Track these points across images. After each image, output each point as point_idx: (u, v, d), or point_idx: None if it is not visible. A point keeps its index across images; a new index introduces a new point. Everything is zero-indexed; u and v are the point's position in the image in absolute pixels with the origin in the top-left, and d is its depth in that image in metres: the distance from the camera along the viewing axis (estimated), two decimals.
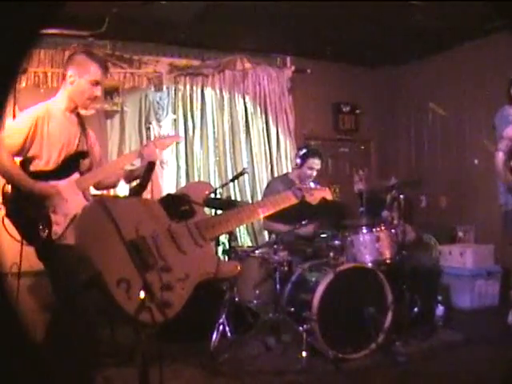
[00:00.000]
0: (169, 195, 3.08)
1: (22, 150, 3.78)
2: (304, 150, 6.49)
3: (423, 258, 6.80)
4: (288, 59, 8.52)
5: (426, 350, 5.40)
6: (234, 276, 3.15)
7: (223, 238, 5.68)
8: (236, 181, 7.07)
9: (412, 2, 6.25)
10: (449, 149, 8.49)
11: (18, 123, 3.91)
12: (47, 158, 3.82)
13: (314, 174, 6.34)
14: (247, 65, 8.15)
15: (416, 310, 5.86)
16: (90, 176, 3.98)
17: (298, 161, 6.41)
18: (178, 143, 7.54)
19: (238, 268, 3.10)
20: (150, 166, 3.13)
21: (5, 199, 3.76)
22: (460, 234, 7.97)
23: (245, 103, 8.14)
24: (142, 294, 2.67)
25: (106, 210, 2.82)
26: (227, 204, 5.28)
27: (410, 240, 6.33)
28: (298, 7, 6.44)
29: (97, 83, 3.95)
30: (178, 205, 3.07)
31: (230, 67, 8.08)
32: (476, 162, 7.85)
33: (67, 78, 3.95)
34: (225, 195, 6.95)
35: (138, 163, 4.03)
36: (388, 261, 5.66)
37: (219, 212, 4.43)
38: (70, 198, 3.74)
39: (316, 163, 6.35)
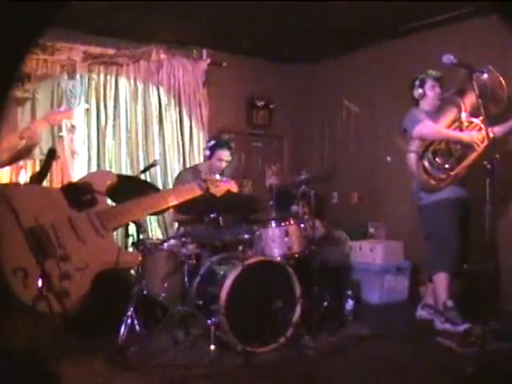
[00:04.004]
0: (71, 184, 3.00)
1: None
2: (213, 142, 6.45)
3: (333, 252, 6.88)
4: (204, 52, 8.45)
5: (335, 344, 5.42)
6: (138, 267, 3.07)
7: (133, 230, 5.60)
8: (148, 172, 7.02)
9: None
10: (361, 146, 8.59)
11: None
12: None
13: (224, 165, 6.30)
14: (162, 56, 8.07)
15: (325, 304, 5.90)
16: None
17: (207, 152, 6.37)
18: (89, 135, 7.44)
19: (139, 258, 3.06)
20: (51, 154, 3.01)
21: None
22: (371, 230, 8.08)
23: (159, 94, 8.04)
24: (40, 283, 2.60)
25: (5, 198, 2.72)
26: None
27: (319, 235, 6.39)
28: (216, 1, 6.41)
29: None
30: (79, 194, 2.99)
31: (145, 58, 7.97)
32: (388, 159, 7.97)
33: None
34: None
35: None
36: (297, 255, 5.69)
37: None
38: None
39: (225, 155, 6.31)
